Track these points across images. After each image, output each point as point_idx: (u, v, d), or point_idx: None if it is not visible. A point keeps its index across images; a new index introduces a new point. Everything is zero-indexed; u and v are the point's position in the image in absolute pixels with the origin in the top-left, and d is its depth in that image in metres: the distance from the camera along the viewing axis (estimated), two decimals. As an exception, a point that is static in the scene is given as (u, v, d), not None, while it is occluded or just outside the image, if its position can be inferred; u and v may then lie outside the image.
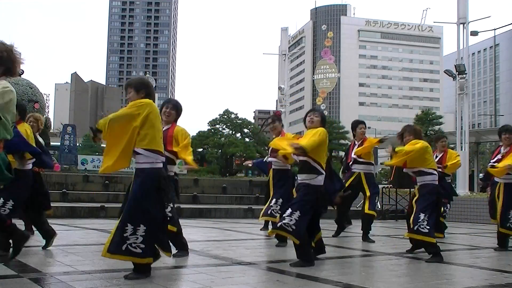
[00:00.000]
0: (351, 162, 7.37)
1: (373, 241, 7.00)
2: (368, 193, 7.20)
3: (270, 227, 6.85)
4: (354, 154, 7.26)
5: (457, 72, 17.39)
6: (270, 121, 6.95)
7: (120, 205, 5.58)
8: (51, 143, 23.14)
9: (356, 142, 7.42)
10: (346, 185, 7.22)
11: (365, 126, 7.52)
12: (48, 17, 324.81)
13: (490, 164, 6.51)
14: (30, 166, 5.02)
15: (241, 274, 4.34)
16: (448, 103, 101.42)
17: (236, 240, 7.02)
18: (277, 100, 30.95)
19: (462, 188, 15.68)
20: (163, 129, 4.63)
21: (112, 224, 4.61)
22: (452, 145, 22.00)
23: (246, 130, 51.81)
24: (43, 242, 5.38)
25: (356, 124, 7.47)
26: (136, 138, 3.83)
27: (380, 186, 11.61)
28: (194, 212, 12.24)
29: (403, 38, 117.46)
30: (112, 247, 3.72)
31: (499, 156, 6.32)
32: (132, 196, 3.81)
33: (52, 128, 30.28)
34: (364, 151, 7.19)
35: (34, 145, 5.02)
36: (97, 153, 31.73)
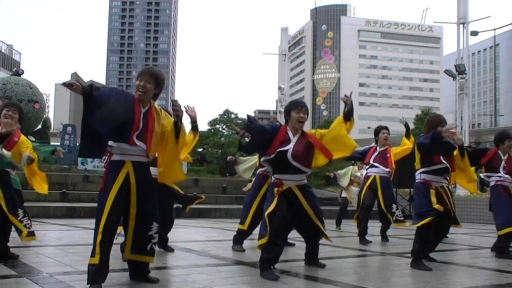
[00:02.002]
0: (368, 166, 7.38)
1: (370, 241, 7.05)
2: (381, 201, 7.22)
3: None
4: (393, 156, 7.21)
5: (457, 72, 17.42)
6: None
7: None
8: (51, 143, 23.20)
9: (378, 148, 7.33)
10: (364, 188, 7.31)
11: (388, 132, 7.40)
12: (48, 17, 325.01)
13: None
14: None
15: (241, 274, 4.35)
16: (448, 103, 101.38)
17: (236, 240, 7.00)
18: (277, 100, 30.91)
19: (462, 188, 15.68)
20: None
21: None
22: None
23: (246, 130, 51.71)
24: (43, 242, 5.38)
25: (379, 130, 7.40)
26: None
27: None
28: (194, 212, 12.23)
29: (403, 38, 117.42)
30: (135, 248, 3.61)
31: (504, 164, 6.02)
32: (153, 194, 3.67)
33: (52, 128, 30.24)
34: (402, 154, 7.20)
35: None
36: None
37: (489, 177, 6.16)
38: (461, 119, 18.25)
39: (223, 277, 4.04)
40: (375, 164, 7.26)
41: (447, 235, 7.88)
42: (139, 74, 3.65)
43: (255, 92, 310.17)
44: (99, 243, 3.35)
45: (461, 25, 18.10)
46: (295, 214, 4.40)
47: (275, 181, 4.33)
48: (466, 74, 17.28)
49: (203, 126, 53.85)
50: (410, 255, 4.98)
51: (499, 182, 6.03)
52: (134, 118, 3.50)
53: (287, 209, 4.29)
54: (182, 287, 3.74)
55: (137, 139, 3.49)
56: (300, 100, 4.73)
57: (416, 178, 5.13)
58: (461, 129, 17.88)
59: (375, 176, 7.24)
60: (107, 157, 3.56)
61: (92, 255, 3.36)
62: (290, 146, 4.30)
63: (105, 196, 3.41)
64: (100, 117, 3.35)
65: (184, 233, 8.29)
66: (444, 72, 20.05)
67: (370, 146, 7.66)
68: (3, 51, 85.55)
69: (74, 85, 3.26)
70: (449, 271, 4.88)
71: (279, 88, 29.42)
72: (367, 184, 7.30)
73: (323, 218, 4.56)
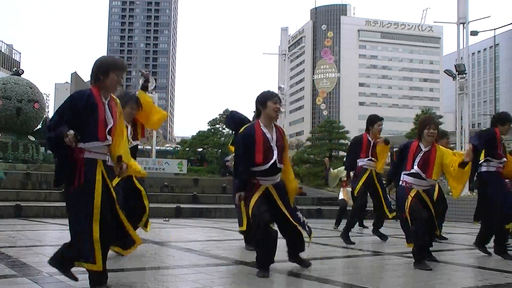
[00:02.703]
0: (366, 159, 6.99)
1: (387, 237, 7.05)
2: (381, 193, 7.05)
3: None
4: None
5: (457, 72, 17.40)
6: None
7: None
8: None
9: (369, 139, 7.01)
10: (361, 182, 6.97)
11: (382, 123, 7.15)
12: (48, 17, 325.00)
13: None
14: None
15: (241, 274, 4.34)
16: (448, 103, 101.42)
17: (236, 240, 7.01)
18: (277, 100, 30.95)
19: (462, 188, 15.64)
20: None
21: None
22: (452, 145, 21.98)
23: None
24: (43, 242, 5.37)
25: (375, 120, 7.05)
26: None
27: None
28: (194, 212, 12.24)
29: (403, 38, 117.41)
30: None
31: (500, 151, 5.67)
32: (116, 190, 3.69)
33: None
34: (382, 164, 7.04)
35: None
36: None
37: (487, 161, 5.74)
38: (461, 119, 18.25)
39: (223, 277, 4.04)
40: (373, 158, 6.98)
41: (446, 237, 7.89)
42: (120, 69, 3.50)
43: (255, 92, 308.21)
44: (100, 249, 3.26)
45: (461, 25, 18.10)
46: (273, 212, 4.33)
47: (254, 182, 4.28)
48: (466, 74, 17.27)
49: (203, 126, 53.79)
50: (411, 255, 4.97)
51: (500, 169, 5.71)
52: (99, 115, 3.38)
53: (266, 208, 4.22)
54: (182, 287, 3.74)
55: (108, 134, 3.41)
56: (272, 91, 4.59)
57: (400, 178, 5.17)
58: (461, 129, 17.87)
59: (371, 170, 6.98)
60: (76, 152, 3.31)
61: (92, 261, 3.25)
62: (275, 153, 4.27)
63: (89, 198, 3.29)
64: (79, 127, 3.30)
65: (184, 233, 8.29)
66: (444, 72, 20.05)
67: (358, 137, 7.19)
68: (3, 51, 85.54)
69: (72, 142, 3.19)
70: (449, 271, 4.88)
71: (279, 88, 29.41)
72: (362, 180, 6.95)
73: (300, 216, 4.45)
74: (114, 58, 3.61)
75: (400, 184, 5.15)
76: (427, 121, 5.08)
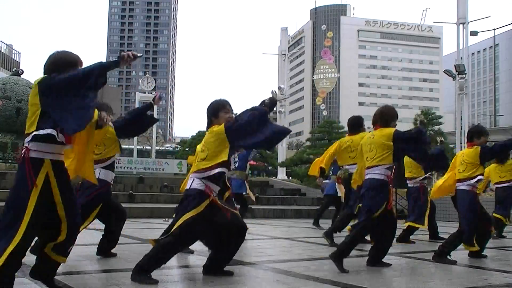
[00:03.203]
0: None
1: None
2: None
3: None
4: None
5: (457, 72, 17.44)
6: None
7: (122, 204, 5.59)
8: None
9: None
10: None
11: None
12: (48, 17, 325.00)
13: None
14: None
15: (241, 274, 4.34)
16: (448, 103, 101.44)
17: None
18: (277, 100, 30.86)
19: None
20: None
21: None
22: (451, 145, 21.99)
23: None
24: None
25: (362, 121, 6.98)
26: None
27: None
28: (194, 212, 12.22)
29: (402, 38, 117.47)
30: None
31: None
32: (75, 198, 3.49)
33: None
34: None
35: None
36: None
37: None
38: (461, 119, 18.26)
39: (223, 277, 4.03)
40: None
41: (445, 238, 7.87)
42: (79, 65, 3.23)
43: (255, 92, 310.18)
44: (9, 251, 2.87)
45: (461, 25, 18.12)
46: (219, 222, 4.02)
47: (206, 191, 3.96)
48: (465, 74, 17.30)
49: (203, 126, 53.72)
50: (410, 255, 4.97)
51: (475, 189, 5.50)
52: None
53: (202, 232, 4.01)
54: (182, 287, 3.74)
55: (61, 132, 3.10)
56: (223, 98, 4.30)
57: (376, 172, 4.76)
58: (461, 129, 17.87)
59: None
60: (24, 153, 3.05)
61: None
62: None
63: (25, 199, 2.98)
64: None
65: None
66: (444, 72, 20.07)
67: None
68: (2, 51, 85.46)
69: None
70: (449, 271, 4.88)
71: (279, 88, 29.28)
72: None
73: None
74: (70, 53, 3.26)
75: (379, 177, 4.75)
76: (394, 113, 5.15)
